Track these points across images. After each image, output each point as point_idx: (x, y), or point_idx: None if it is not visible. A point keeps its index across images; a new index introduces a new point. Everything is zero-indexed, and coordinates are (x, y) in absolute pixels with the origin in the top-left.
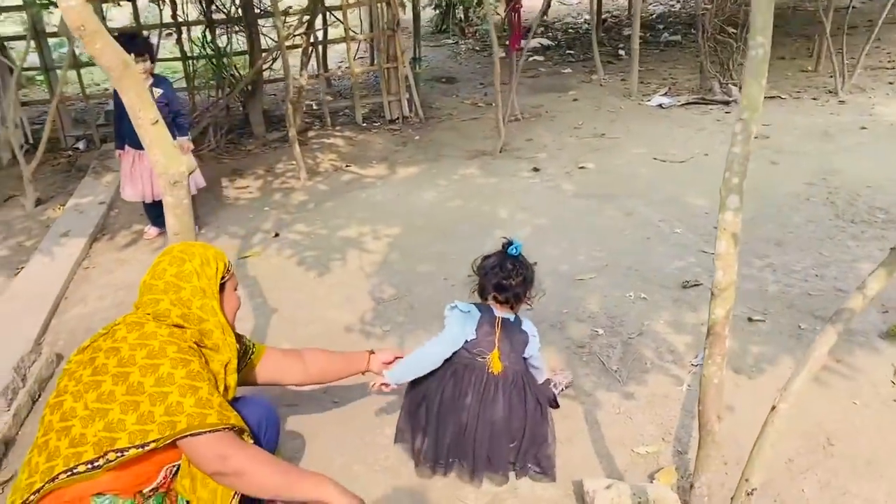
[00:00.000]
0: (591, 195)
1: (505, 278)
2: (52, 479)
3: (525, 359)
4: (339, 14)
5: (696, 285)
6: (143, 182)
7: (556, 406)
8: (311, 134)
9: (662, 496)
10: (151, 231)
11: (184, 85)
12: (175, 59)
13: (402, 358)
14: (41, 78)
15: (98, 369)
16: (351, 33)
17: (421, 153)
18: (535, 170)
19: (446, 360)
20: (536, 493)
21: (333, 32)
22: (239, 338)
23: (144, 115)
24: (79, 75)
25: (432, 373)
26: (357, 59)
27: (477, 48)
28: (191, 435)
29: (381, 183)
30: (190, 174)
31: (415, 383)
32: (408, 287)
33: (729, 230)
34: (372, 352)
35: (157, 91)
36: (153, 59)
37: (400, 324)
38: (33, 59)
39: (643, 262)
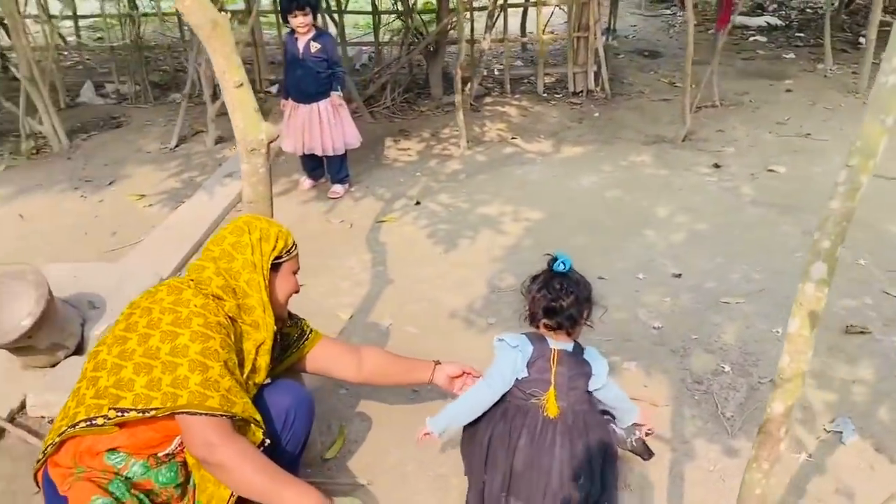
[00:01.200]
0: (770, 204)
1: (553, 300)
2: (73, 426)
3: (592, 395)
4: None
5: (862, 332)
6: (297, 134)
7: (649, 457)
8: (487, 100)
9: None
10: (306, 183)
11: (371, 39)
12: (365, 12)
13: (471, 375)
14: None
15: (129, 326)
16: None
17: (594, 132)
18: (716, 166)
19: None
20: None
21: None
22: (296, 321)
23: (229, 77)
24: (277, 21)
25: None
26: (562, 25)
27: (695, 22)
28: (187, 413)
29: (541, 161)
30: (271, 142)
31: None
32: None
33: (807, 306)
34: (438, 362)
35: (315, 45)
36: (315, 14)
37: (506, 319)
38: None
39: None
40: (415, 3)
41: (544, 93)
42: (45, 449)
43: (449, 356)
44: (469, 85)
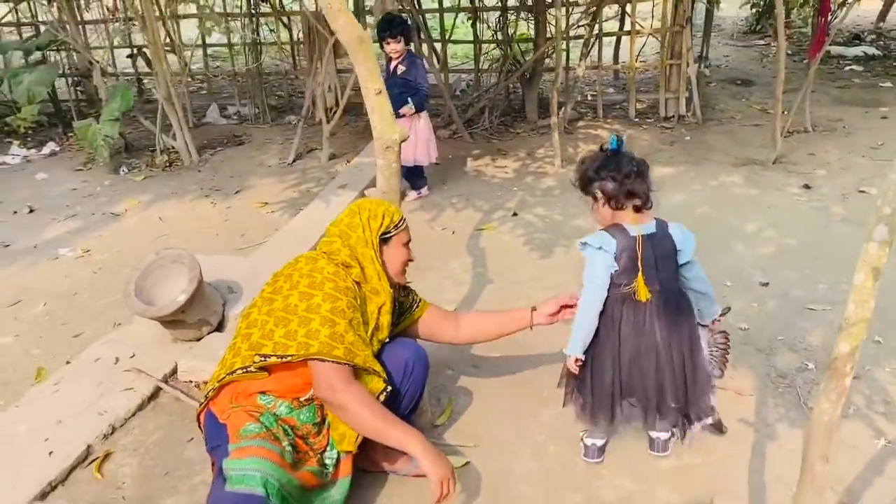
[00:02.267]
0: (861, 223)
1: (627, 177)
2: (231, 373)
3: (683, 275)
4: (627, 6)
5: None
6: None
7: (722, 431)
8: (580, 124)
9: None
10: (412, 194)
11: (471, 66)
12: (467, 41)
13: (567, 306)
14: None
15: (275, 289)
16: (637, 27)
17: (685, 155)
18: (806, 187)
19: None
20: (672, 502)
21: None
22: (407, 291)
23: (371, 85)
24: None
25: None
26: (654, 55)
27: (789, 52)
28: (318, 359)
29: None
30: (403, 141)
31: None
32: None
33: (870, 263)
34: (534, 308)
35: (401, 68)
36: (407, 41)
37: None
38: None
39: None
40: (513, 33)
41: (636, 117)
42: (207, 393)
43: (547, 350)
44: (563, 109)
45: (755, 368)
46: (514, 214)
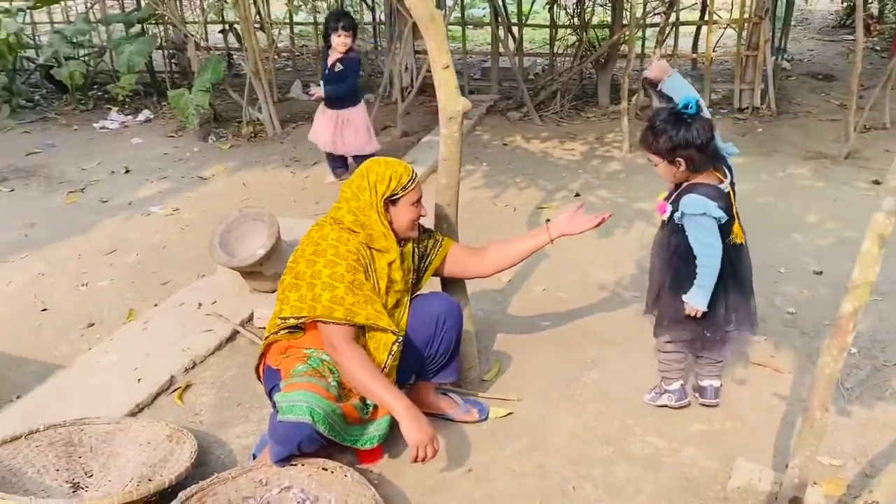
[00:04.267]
0: None
1: (709, 143)
2: (274, 333)
3: None
4: None
5: None
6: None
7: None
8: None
9: (800, 493)
10: (329, 178)
11: (546, 50)
12: (544, 26)
13: (581, 208)
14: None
15: (294, 257)
16: (715, 17)
17: (755, 146)
18: (876, 182)
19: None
20: (699, 461)
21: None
22: (429, 233)
23: (440, 60)
24: (464, 33)
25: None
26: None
27: (877, 48)
28: (321, 321)
29: None
30: (465, 113)
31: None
32: None
33: (877, 231)
34: (548, 220)
35: (339, 66)
36: (354, 37)
37: None
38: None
39: None
40: (590, 19)
41: (709, 107)
42: (261, 350)
43: (595, 321)
44: (636, 95)
45: (797, 349)
46: (577, 195)
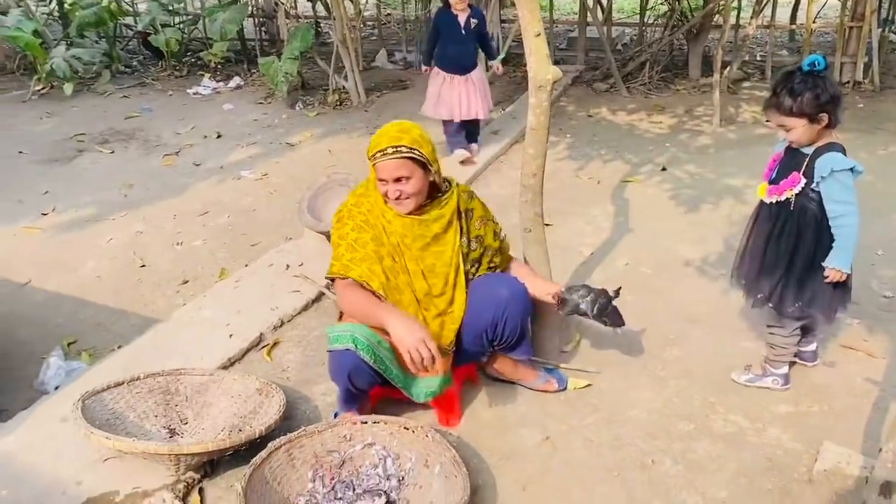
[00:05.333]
0: None
1: (841, 97)
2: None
3: None
4: None
5: None
6: (454, 103)
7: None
8: (745, 84)
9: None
10: (461, 153)
11: (635, 20)
12: None
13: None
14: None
15: None
16: None
17: (855, 122)
18: None
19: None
20: (784, 442)
21: None
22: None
23: (531, 28)
24: (550, 2)
25: None
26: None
27: None
28: (329, 277)
29: None
30: (555, 82)
31: None
32: None
33: None
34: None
35: (474, 21)
36: None
37: None
38: None
39: None
40: None
41: None
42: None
43: (679, 297)
44: (728, 68)
45: (891, 334)
46: (664, 169)
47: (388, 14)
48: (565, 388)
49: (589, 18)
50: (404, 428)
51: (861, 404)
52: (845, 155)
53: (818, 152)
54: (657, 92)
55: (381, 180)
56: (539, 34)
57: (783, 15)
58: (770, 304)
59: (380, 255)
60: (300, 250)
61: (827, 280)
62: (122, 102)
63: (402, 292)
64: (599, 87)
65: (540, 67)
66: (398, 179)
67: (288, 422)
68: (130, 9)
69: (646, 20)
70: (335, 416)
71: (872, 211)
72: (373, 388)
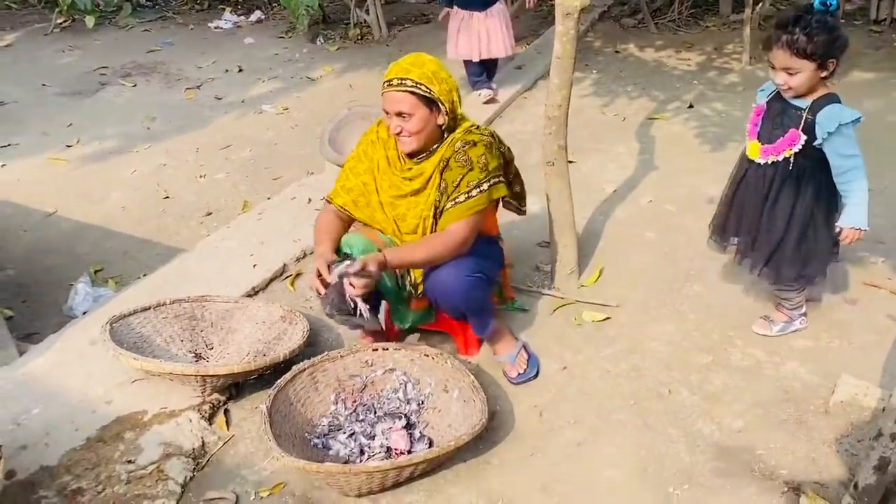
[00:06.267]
0: None
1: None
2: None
3: None
4: None
5: None
6: (474, 41)
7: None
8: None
9: None
10: (486, 93)
11: None
12: None
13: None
14: None
15: None
16: None
17: (891, 61)
18: None
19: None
20: (801, 375)
21: None
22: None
23: None
24: None
25: None
26: None
27: None
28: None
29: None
30: (583, 10)
31: None
32: None
33: None
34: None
35: None
36: None
37: None
38: None
39: None
40: None
41: (842, 18)
42: None
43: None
44: (760, 3)
45: None
46: (690, 107)
47: None
48: (531, 379)
49: None
50: (424, 355)
51: (882, 340)
52: (842, 104)
53: (817, 105)
54: (686, 28)
55: (385, 112)
56: None
57: None
58: (768, 273)
59: (368, 190)
60: (322, 184)
61: (844, 240)
62: (144, 36)
63: (378, 223)
64: (627, 23)
65: None
66: (400, 114)
67: (311, 348)
68: None
69: None
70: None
71: None
72: (374, 299)
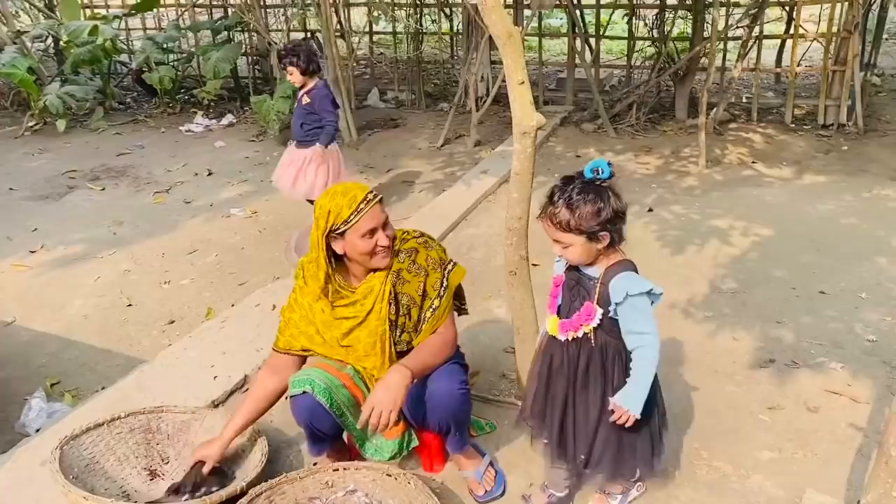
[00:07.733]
0: None
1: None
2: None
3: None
4: (791, 10)
5: None
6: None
7: None
8: (731, 126)
9: None
10: None
11: (623, 62)
12: (622, 37)
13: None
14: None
15: None
16: (801, 30)
17: (840, 164)
18: None
19: None
20: (767, 489)
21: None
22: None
23: (515, 76)
24: (540, 44)
25: None
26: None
27: None
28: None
29: (780, 185)
30: (539, 128)
31: None
32: (751, 286)
33: None
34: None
35: (306, 99)
36: (305, 72)
37: (723, 315)
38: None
39: None
40: (669, 31)
41: (792, 123)
42: None
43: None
44: (714, 109)
45: (877, 379)
46: (650, 210)
47: (381, 53)
48: (498, 497)
49: (577, 60)
50: (387, 475)
51: (845, 451)
52: (637, 273)
53: (609, 273)
54: (644, 133)
55: (370, 231)
56: (523, 82)
57: (769, 57)
58: (589, 475)
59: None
60: (287, 291)
61: (613, 419)
62: (115, 139)
63: (334, 356)
64: (587, 128)
65: (524, 114)
66: (385, 225)
67: (271, 466)
68: (125, 46)
69: (633, 62)
70: (314, 463)
71: (856, 253)
72: (338, 431)
